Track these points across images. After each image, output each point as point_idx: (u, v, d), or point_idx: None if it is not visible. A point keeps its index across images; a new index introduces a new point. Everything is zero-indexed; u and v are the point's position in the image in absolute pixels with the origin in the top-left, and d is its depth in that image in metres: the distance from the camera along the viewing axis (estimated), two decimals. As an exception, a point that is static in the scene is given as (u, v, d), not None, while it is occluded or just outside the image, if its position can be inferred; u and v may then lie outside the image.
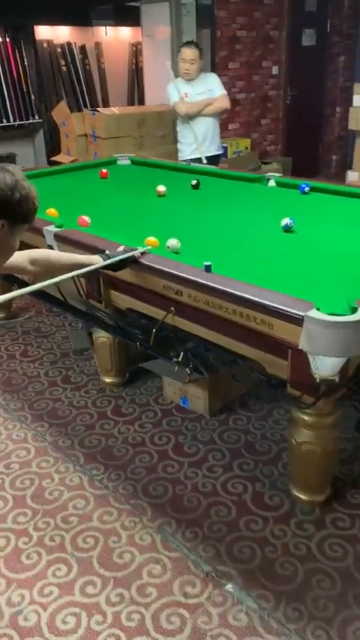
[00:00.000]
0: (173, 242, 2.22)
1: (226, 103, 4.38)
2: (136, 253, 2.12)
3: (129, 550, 1.97)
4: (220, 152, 4.58)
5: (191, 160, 4.36)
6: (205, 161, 4.26)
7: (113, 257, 2.08)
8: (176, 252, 2.21)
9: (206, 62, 5.50)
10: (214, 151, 4.45)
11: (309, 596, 1.78)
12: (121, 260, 2.09)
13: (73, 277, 2.54)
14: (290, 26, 6.93)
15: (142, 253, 2.14)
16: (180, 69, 4.28)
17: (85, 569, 1.90)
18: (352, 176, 6.58)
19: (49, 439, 2.55)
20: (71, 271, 1.98)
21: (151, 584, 1.84)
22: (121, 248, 2.17)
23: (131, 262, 2.13)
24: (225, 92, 4.38)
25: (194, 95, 4.28)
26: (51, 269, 2.06)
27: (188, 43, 4.42)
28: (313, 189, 3.15)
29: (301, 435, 1.97)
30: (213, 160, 4.37)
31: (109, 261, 2.05)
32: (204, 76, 4.37)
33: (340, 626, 1.69)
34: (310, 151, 7.79)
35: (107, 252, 2.13)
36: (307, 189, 3.08)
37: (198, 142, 4.32)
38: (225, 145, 5.59)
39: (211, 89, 4.31)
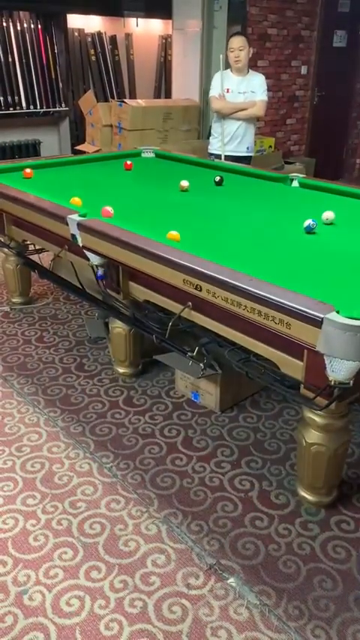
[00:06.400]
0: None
1: (260, 112, 4.33)
2: None
3: (134, 539, 2.00)
4: (250, 154, 4.51)
5: (215, 155, 4.39)
6: (223, 159, 4.26)
7: None
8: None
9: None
10: (243, 151, 4.41)
11: (310, 595, 1.80)
12: None
13: (92, 267, 2.60)
14: (322, 26, 6.89)
15: None
16: (230, 60, 4.24)
17: (91, 555, 1.93)
18: (375, 181, 6.52)
19: (60, 425, 2.58)
20: None
21: (155, 573, 1.87)
22: None
23: None
24: (265, 99, 4.32)
25: (235, 93, 4.26)
26: None
27: (235, 34, 4.47)
28: (337, 192, 3.15)
29: (311, 436, 1.98)
30: (244, 160, 4.33)
31: None
32: (251, 75, 4.33)
33: (339, 627, 1.70)
34: (334, 153, 7.75)
35: None
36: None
37: (223, 140, 4.33)
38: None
39: (254, 91, 4.27)
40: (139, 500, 2.16)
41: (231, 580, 1.84)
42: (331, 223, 2.60)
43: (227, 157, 4.31)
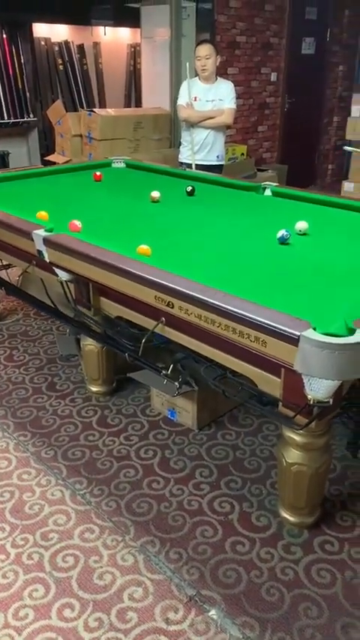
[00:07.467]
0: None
1: (229, 119, 4.24)
2: None
3: (110, 571, 1.89)
4: (221, 162, 4.42)
5: (186, 164, 4.33)
6: (194, 168, 4.19)
7: None
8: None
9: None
10: (213, 160, 4.33)
11: (295, 625, 1.72)
12: None
13: (61, 283, 2.50)
14: (290, 34, 6.91)
15: None
16: (197, 68, 4.18)
17: (64, 591, 1.82)
18: (348, 187, 6.55)
19: (31, 449, 2.46)
20: None
21: (132, 608, 1.76)
22: None
23: None
24: (234, 107, 4.23)
25: (203, 101, 4.18)
26: None
27: (201, 42, 4.42)
28: (310, 200, 3.11)
29: (291, 455, 1.90)
30: (214, 169, 4.26)
31: None
32: (219, 82, 4.25)
33: (326, 658, 1.63)
34: (306, 160, 7.77)
35: None
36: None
37: (192, 148, 4.26)
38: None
39: (222, 99, 4.18)
40: (115, 529, 2.06)
41: (212, 612, 1.75)
42: (304, 234, 2.54)
43: (198, 166, 4.24)
